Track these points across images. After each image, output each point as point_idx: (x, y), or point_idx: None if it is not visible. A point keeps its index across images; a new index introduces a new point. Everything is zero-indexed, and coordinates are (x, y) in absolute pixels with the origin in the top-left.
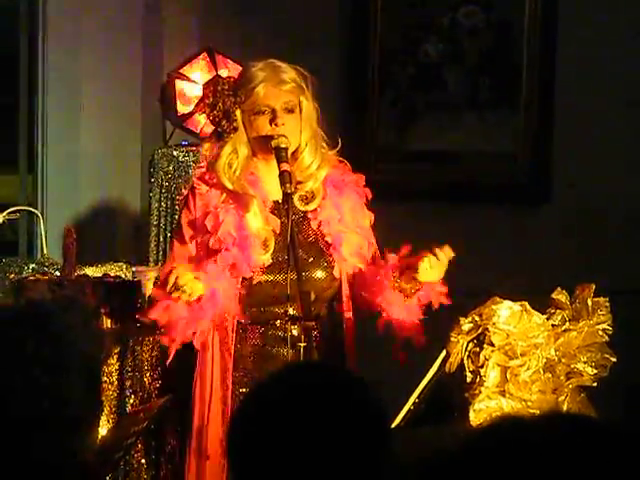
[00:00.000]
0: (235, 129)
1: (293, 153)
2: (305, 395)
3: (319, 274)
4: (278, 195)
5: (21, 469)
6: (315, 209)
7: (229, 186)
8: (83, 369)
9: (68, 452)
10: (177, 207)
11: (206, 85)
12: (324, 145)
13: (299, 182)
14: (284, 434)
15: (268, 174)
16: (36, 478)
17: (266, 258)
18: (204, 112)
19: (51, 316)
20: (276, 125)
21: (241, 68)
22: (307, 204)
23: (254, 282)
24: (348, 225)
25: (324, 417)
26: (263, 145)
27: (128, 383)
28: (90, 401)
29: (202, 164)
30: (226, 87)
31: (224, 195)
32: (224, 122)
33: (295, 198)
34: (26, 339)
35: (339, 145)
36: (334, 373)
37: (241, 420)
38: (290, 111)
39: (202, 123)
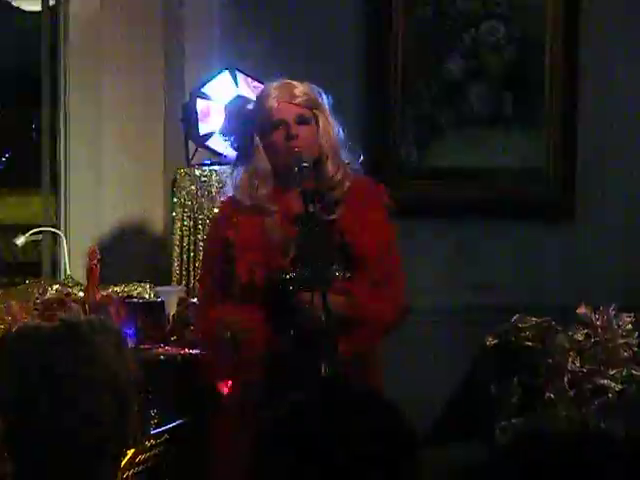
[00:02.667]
0: (255, 151)
1: (315, 164)
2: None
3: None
4: (299, 209)
5: None
6: (338, 218)
7: (248, 202)
8: (117, 391)
9: (97, 475)
10: (200, 227)
11: (226, 109)
12: (347, 160)
13: (323, 192)
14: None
15: (288, 189)
16: None
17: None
18: (225, 138)
19: (86, 337)
20: (290, 138)
21: (262, 86)
22: (330, 214)
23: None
24: (370, 239)
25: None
26: (281, 161)
27: (150, 403)
28: (122, 425)
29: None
30: (244, 112)
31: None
32: (243, 146)
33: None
34: (61, 359)
35: (361, 158)
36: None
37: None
38: (304, 123)
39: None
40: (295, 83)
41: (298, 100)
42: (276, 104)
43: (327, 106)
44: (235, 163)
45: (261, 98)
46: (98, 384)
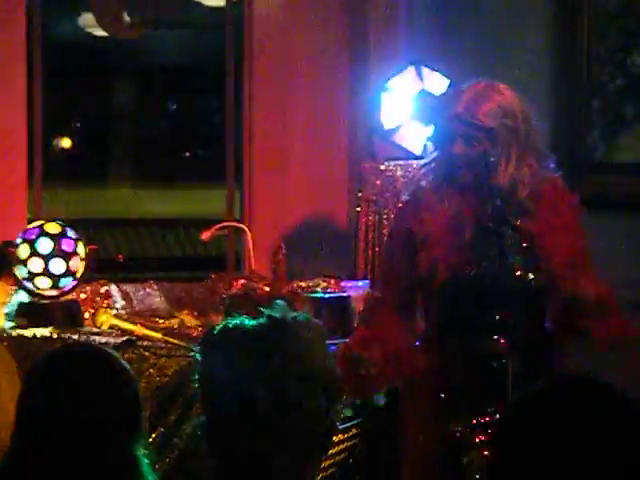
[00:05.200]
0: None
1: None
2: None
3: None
4: (483, 207)
5: None
6: (525, 221)
7: (435, 196)
8: (325, 387)
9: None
10: (385, 221)
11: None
12: (533, 162)
13: (509, 191)
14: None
15: (475, 187)
16: None
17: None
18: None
19: (294, 333)
20: (461, 150)
21: (446, 82)
22: (515, 217)
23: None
24: (561, 242)
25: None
26: (460, 159)
27: None
28: (330, 418)
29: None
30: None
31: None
32: (435, 139)
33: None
34: (272, 354)
35: (552, 163)
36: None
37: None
38: (476, 141)
39: (409, 137)
40: (482, 99)
41: (479, 116)
42: (455, 113)
43: (518, 111)
44: (430, 154)
45: (448, 102)
46: (309, 379)
